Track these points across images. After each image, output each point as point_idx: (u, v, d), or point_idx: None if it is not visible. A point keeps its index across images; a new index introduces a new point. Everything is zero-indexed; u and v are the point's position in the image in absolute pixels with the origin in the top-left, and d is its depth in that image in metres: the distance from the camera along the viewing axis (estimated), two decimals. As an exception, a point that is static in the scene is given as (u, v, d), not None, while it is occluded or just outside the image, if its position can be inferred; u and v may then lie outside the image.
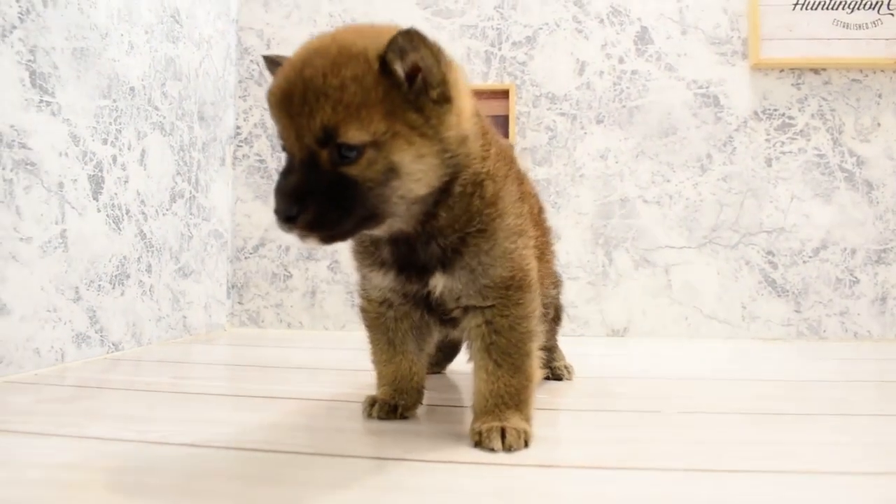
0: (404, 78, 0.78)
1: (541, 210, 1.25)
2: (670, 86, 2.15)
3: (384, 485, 0.74)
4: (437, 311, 0.98)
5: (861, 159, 2.09)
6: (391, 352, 1.06)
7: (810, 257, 2.09)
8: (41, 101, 1.45)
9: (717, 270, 2.11)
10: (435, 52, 0.78)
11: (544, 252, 1.15)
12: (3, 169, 1.35)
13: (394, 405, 1.05)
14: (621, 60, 2.17)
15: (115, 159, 1.70)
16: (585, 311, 2.15)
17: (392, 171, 0.78)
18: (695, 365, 1.62)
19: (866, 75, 2.10)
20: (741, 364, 1.62)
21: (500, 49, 2.21)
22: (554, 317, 1.37)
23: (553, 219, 2.15)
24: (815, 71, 2.11)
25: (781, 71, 2.13)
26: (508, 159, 0.98)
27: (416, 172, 0.80)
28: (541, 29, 2.20)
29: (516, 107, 2.18)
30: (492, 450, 0.86)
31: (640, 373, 1.49)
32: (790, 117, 2.12)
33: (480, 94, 2.17)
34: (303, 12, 2.32)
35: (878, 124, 2.09)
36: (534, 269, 0.97)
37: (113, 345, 1.69)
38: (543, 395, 1.22)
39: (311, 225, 0.76)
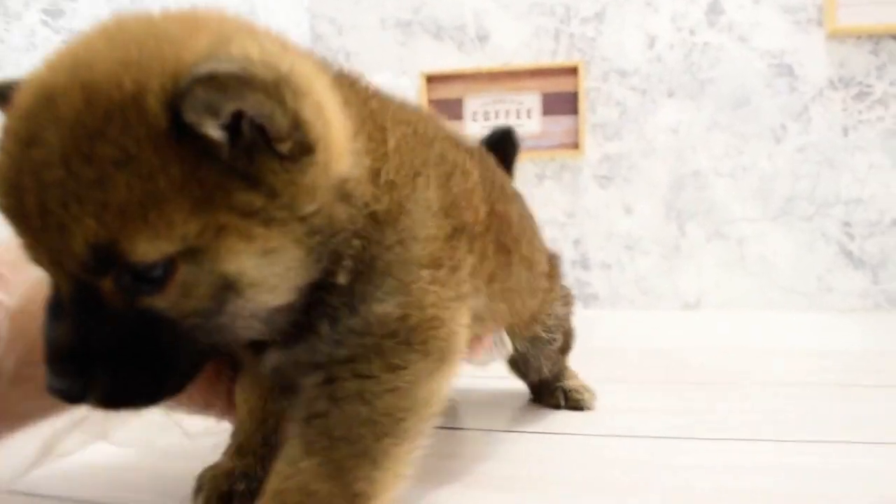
0: (224, 136, 0.44)
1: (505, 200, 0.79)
2: (742, 56, 2.13)
3: None
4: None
5: (943, 126, 2.04)
6: None
7: (888, 228, 2.05)
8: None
9: (793, 242, 2.10)
10: (275, 87, 0.43)
11: (532, 258, 0.83)
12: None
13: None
14: (692, 32, 2.16)
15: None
16: (657, 285, 2.17)
17: (227, 289, 0.47)
18: (769, 337, 1.63)
19: (949, 39, 2.04)
20: (818, 336, 1.62)
21: (568, 25, 2.23)
22: (563, 345, 1.03)
23: (624, 194, 2.17)
24: (895, 37, 2.05)
25: (858, 38, 2.08)
26: (423, 143, 0.63)
27: (267, 279, 0.48)
28: (609, 3, 2.20)
29: (586, 83, 2.20)
30: None
31: (713, 345, 1.52)
32: (868, 85, 2.07)
33: (549, 73, 2.19)
34: (373, -3, 2.38)
35: (962, 89, 2.03)
36: (455, 322, 0.60)
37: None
38: (605, 365, 1.23)
39: (112, 402, 0.49)
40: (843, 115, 2.08)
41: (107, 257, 0.43)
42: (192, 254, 0.44)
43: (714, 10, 2.15)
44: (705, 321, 1.90)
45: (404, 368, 0.56)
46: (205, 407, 0.69)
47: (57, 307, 0.47)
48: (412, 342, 0.56)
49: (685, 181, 2.15)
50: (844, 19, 2.07)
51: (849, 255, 2.08)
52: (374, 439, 0.54)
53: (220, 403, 0.68)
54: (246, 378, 0.66)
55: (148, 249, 0.43)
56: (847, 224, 2.08)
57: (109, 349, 0.46)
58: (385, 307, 0.55)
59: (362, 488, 0.53)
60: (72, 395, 0.47)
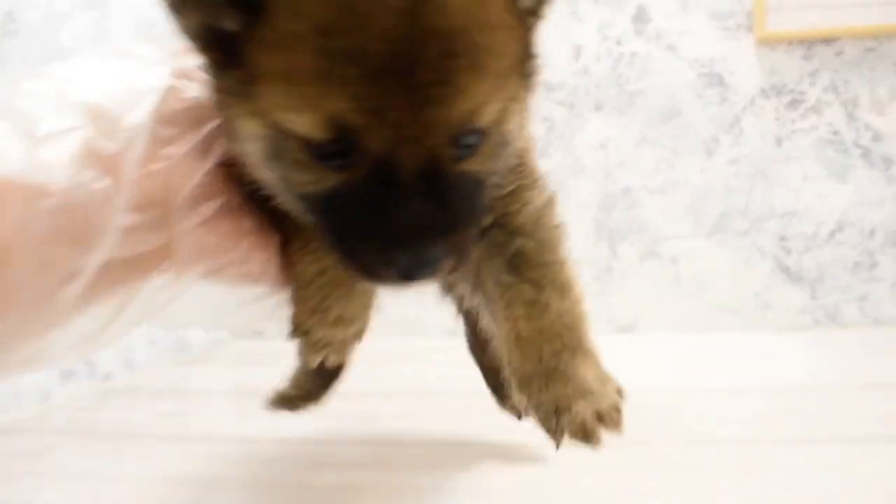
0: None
1: None
2: (671, 67, 2.04)
3: None
4: None
5: (878, 134, 1.97)
6: None
7: (826, 241, 1.99)
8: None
9: (728, 259, 2.03)
10: None
11: None
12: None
13: None
14: (619, 42, 2.06)
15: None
16: (590, 308, 2.06)
17: (505, 146, 0.52)
18: (708, 367, 1.53)
19: (881, 43, 1.97)
20: (754, 364, 1.54)
21: (490, 37, 2.11)
22: None
23: (553, 214, 2.07)
24: (827, 42, 1.99)
25: (790, 44, 2.00)
26: None
27: (518, 139, 0.56)
28: (532, 13, 2.09)
29: (510, 97, 2.08)
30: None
31: (650, 385, 1.41)
32: (800, 93, 2.00)
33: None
34: None
35: (896, 95, 1.97)
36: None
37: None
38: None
39: (456, 264, 0.50)
40: (775, 125, 2.01)
41: (468, 124, 0.46)
42: (499, 114, 0.49)
43: (641, 19, 2.05)
44: (640, 348, 1.80)
45: (542, 190, 0.69)
46: (260, 274, 0.62)
47: (371, 189, 0.46)
48: (533, 170, 0.69)
49: (615, 199, 2.06)
50: (774, 25, 1.99)
51: (786, 270, 2.01)
52: (560, 248, 0.69)
53: (272, 271, 0.62)
54: (302, 242, 0.61)
55: (491, 112, 0.48)
56: (783, 238, 2.01)
57: (455, 217, 0.48)
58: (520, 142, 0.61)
59: (577, 290, 0.70)
60: (436, 266, 0.47)
